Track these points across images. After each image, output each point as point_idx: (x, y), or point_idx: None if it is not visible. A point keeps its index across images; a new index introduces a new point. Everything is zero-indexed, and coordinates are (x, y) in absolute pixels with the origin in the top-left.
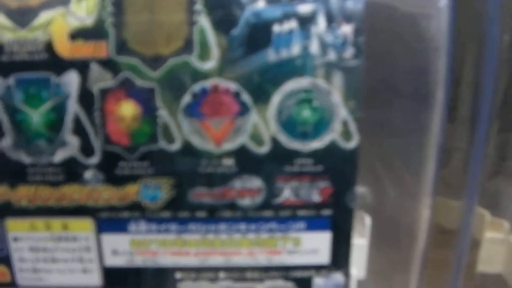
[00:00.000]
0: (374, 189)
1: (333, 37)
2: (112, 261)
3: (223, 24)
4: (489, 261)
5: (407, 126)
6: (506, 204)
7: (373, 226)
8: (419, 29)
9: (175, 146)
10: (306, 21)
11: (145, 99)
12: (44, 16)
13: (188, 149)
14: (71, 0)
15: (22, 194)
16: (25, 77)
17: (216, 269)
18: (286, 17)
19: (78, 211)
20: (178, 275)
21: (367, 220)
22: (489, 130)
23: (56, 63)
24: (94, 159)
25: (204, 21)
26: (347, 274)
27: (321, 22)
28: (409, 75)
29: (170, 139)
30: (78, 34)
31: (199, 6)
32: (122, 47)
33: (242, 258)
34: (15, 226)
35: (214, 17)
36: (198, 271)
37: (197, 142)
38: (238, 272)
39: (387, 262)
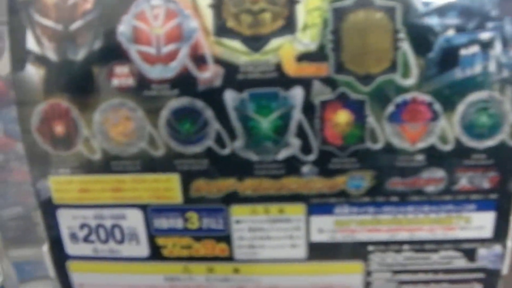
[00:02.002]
0: None
1: (507, 58)
2: (317, 237)
3: (421, 48)
4: None
5: None
6: None
7: None
8: None
9: (379, 146)
10: (486, 46)
11: (357, 109)
12: (274, 42)
13: (388, 148)
14: (297, 29)
15: (248, 186)
16: (257, 92)
17: (401, 243)
18: (470, 42)
19: (293, 198)
20: (370, 247)
21: None
22: None
23: (284, 81)
24: (312, 156)
25: (406, 46)
26: (505, 246)
27: (498, 46)
28: None
29: (375, 140)
30: (303, 57)
31: (402, 34)
32: (339, 67)
33: (423, 233)
34: (238, 211)
35: (415, 43)
36: (386, 244)
37: (396, 142)
38: (419, 245)
39: None
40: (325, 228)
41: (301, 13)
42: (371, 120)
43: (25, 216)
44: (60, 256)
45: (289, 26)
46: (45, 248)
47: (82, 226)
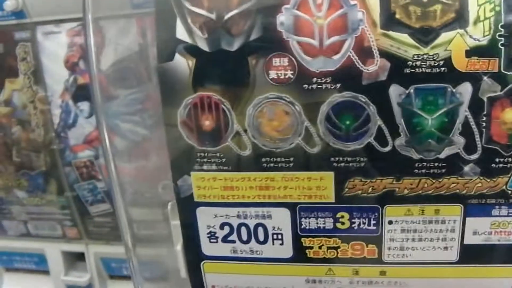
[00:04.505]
0: None
1: None
2: (471, 240)
3: None
4: None
5: None
6: None
7: None
8: None
9: None
10: None
11: None
12: (445, 36)
13: None
14: (468, 22)
15: (406, 185)
16: (424, 87)
17: None
18: None
19: (450, 198)
20: None
21: None
22: None
23: (453, 76)
24: (475, 155)
25: None
26: None
27: None
28: None
29: None
30: (474, 52)
31: None
32: (510, 63)
33: None
34: (393, 212)
35: None
36: None
37: None
38: None
39: None
40: (480, 230)
41: (473, 6)
42: None
43: (112, 213)
44: (195, 256)
45: (460, 19)
46: (179, 247)
47: (223, 225)
